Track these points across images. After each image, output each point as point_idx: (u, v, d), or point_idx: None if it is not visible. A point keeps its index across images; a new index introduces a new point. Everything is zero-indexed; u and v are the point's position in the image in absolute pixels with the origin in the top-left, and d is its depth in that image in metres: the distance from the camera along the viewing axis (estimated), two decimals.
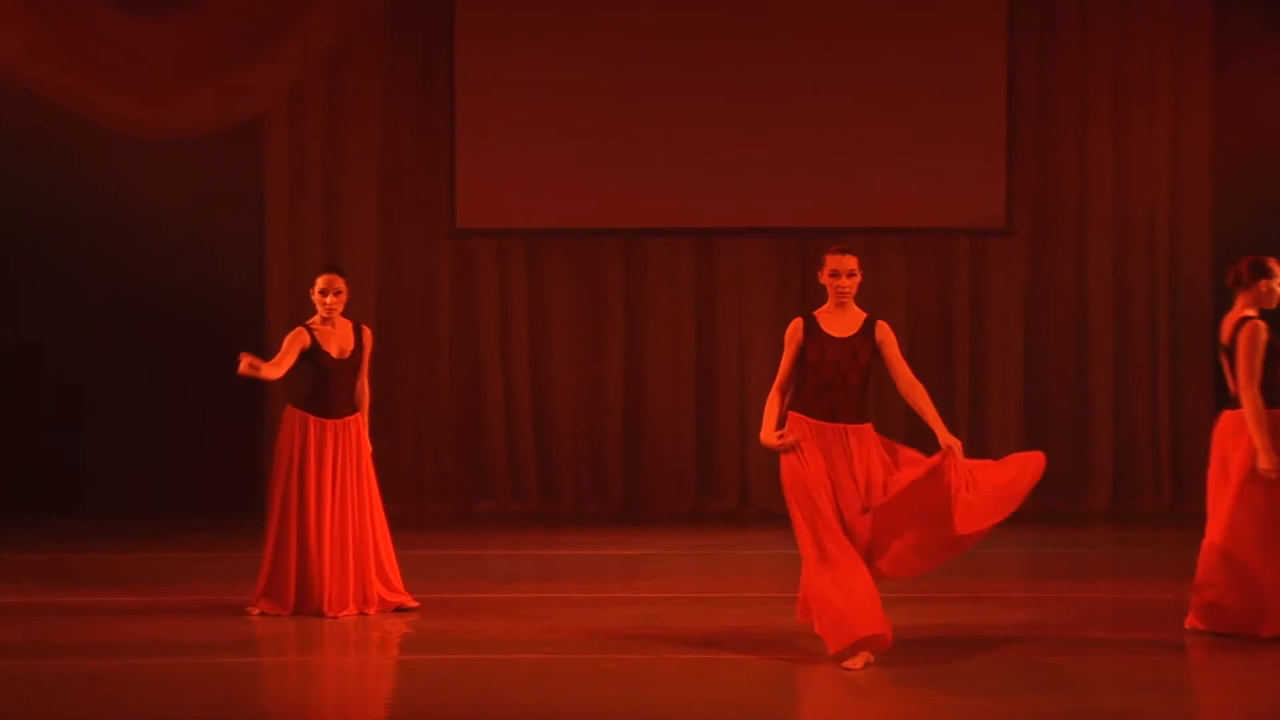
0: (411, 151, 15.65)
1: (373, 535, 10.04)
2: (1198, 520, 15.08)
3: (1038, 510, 15.57)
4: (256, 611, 9.84)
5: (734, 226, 15.61)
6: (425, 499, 15.58)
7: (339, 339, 10.01)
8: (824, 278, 8.80)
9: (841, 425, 8.59)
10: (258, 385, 15.45)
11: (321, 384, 9.94)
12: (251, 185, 15.51)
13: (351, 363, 10.00)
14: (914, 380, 8.75)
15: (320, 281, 10.00)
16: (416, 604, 10.09)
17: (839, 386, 8.62)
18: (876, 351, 8.70)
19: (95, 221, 15.21)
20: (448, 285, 15.73)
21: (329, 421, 9.95)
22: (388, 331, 15.64)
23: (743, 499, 15.70)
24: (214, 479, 15.38)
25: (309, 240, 15.53)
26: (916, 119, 15.43)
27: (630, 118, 15.45)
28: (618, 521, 15.34)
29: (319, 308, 9.98)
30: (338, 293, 9.98)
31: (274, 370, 9.76)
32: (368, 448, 10.06)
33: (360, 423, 10.06)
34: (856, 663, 8.29)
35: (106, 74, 14.57)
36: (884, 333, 8.75)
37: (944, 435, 8.59)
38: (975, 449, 15.74)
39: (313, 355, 9.92)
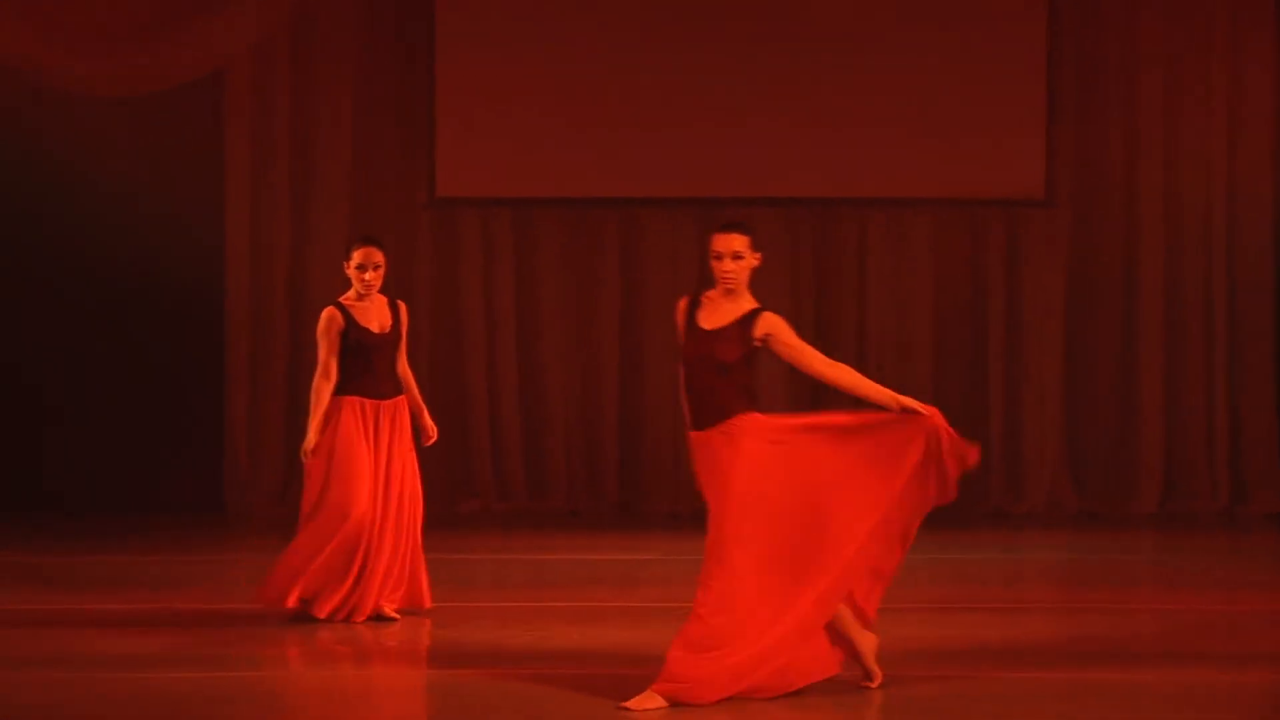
0: (387, 111, 15.66)
1: (410, 534, 10.17)
2: (1256, 525, 15.27)
3: (1078, 513, 15.64)
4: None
5: (742, 196, 15.60)
6: None
7: (377, 314, 10.16)
8: (711, 260, 8.31)
9: (701, 434, 8.24)
10: (218, 372, 15.55)
11: (365, 363, 10.06)
12: (210, 149, 15.53)
13: (391, 339, 10.15)
14: (830, 362, 8.22)
15: (357, 256, 10.12)
16: (396, 617, 10.16)
17: (694, 387, 8.26)
18: (754, 351, 8.16)
19: (37, 188, 15.23)
20: (427, 260, 15.75)
21: (381, 403, 10.11)
22: None
23: None
24: (172, 472, 15.42)
25: (274, 209, 15.55)
26: (946, 78, 15.43)
27: (629, 75, 15.46)
28: (614, 523, 15.38)
29: (356, 284, 10.11)
30: (376, 267, 10.13)
31: (326, 384, 10.01)
32: (432, 430, 10.31)
33: (407, 405, 10.22)
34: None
35: (47, 23, 14.58)
36: (769, 326, 8.14)
37: (909, 402, 8.08)
38: (1009, 445, 15.83)
39: (350, 334, 10.05)
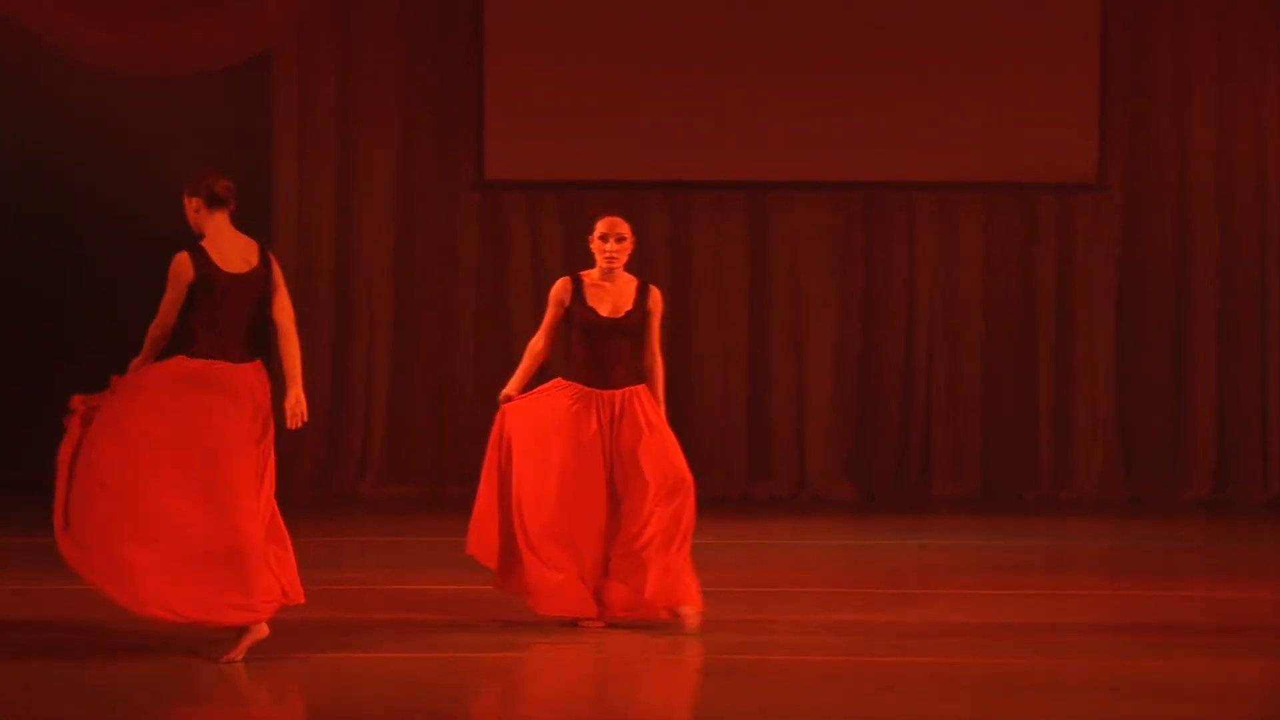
0: (434, 93, 15.64)
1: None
2: None
3: (1128, 499, 15.55)
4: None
5: (791, 180, 15.58)
6: (445, 481, 15.59)
7: (614, 296, 9.40)
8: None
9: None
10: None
11: (589, 348, 9.31)
12: (257, 130, 15.54)
13: (625, 325, 9.38)
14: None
15: (600, 225, 9.39)
16: None
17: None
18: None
19: (83, 168, 15.27)
20: (473, 243, 15.73)
21: (605, 393, 9.31)
22: (406, 295, 15.69)
23: (799, 483, 15.70)
24: None
25: (320, 189, 15.56)
26: (997, 59, 15.36)
27: (677, 57, 15.41)
28: None
29: (599, 257, 9.38)
30: (620, 239, 9.36)
31: (537, 346, 9.34)
32: (660, 414, 9.41)
33: (647, 394, 9.42)
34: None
35: (93, 3, 14.62)
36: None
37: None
38: (1059, 431, 15.73)
39: (574, 313, 9.34)
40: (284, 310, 8.62)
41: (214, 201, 8.58)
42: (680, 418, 15.67)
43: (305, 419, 8.64)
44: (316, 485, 15.49)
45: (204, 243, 8.55)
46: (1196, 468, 15.66)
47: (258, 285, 8.55)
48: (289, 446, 15.51)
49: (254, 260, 8.55)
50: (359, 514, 14.78)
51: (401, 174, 15.65)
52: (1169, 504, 15.45)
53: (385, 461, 15.60)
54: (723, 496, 15.53)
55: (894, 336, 15.77)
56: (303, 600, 8.58)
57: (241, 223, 15.35)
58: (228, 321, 8.50)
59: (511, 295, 15.77)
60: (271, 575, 8.36)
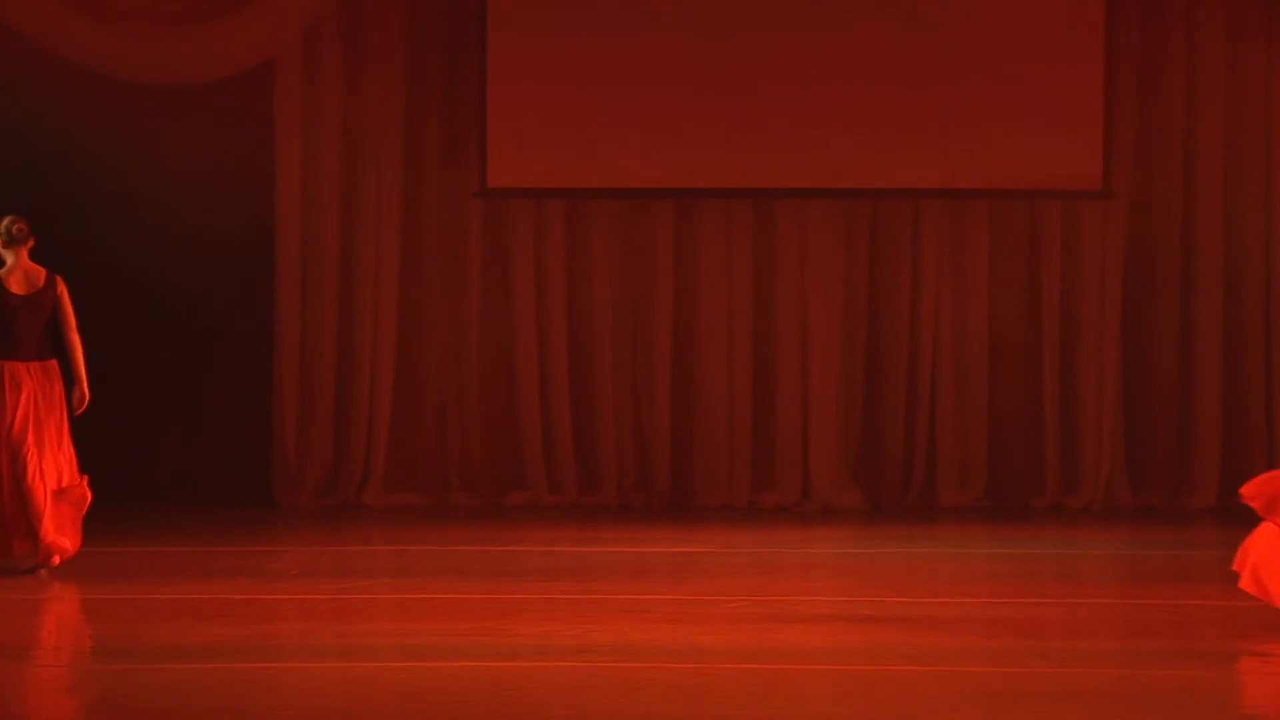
0: (438, 100, 15.62)
1: None
2: None
3: (1136, 507, 15.52)
4: None
5: (798, 187, 15.55)
6: (450, 489, 15.58)
7: None
8: None
9: None
10: (267, 366, 15.54)
11: None
12: (261, 139, 15.51)
13: None
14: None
15: None
16: None
17: None
18: None
19: (87, 177, 15.24)
20: (477, 251, 15.70)
21: None
22: (411, 303, 15.65)
23: (804, 492, 15.66)
24: (220, 465, 15.38)
25: (324, 198, 15.53)
26: (1002, 66, 15.33)
27: (683, 63, 15.38)
28: (664, 515, 15.33)
29: None
30: None
31: None
32: None
33: None
34: None
35: (97, 11, 14.61)
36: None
37: None
38: (1065, 439, 15.70)
39: None
40: (65, 322, 11.52)
41: (10, 240, 11.41)
42: (686, 426, 15.74)
43: (85, 406, 11.58)
44: (321, 493, 15.47)
45: (1, 270, 11.37)
46: (1203, 475, 15.62)
47: (42, 304, 11.43)
48: (293, 454, 15.50)
49: (39, 284, 11.43)
50: (363, 522, 14.75)
51: (404, 182, 15.61)
52: (1176, 512, 15.42)
53: (389, 470, 15.57)
54: (729, 505, 15.51)
55: (900, 344, 15.73)
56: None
57: (244, 231, 15.46)
58: (21, 331, 11.38)
59: (515, 303, 15.74)
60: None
